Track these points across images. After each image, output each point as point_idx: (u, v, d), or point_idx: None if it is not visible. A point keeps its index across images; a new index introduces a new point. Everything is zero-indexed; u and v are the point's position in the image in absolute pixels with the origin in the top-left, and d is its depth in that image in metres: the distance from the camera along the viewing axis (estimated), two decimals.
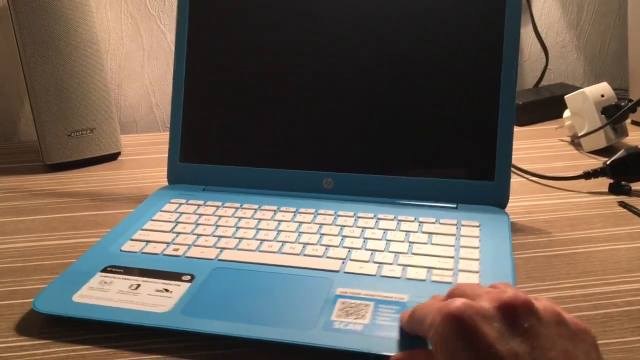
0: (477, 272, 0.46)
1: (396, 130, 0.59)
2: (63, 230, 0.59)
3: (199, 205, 0.59)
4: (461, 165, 0.57)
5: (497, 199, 0.56)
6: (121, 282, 0.46)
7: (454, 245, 0.50)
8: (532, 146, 0.78)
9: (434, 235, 0.51)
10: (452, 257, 0.48)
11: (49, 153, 0.75)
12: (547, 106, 0.86)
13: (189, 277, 0.47)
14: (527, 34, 0.96)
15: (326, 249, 0.50)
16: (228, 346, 0.41)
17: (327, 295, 0.44)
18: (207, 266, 0.48)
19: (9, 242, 0.57)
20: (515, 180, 0.67)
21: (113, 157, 0.78)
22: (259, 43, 0.62)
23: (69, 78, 0.73)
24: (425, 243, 0.50)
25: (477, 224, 0.53)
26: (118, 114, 0.89)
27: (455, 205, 0.57)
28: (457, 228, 0.53)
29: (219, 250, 0.51)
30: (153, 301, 0.44)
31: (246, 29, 0.62)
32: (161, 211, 0.58)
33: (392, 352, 0.38)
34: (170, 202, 0.60)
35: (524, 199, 0.62)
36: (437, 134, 0.58)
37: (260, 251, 0.50)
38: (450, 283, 0.45)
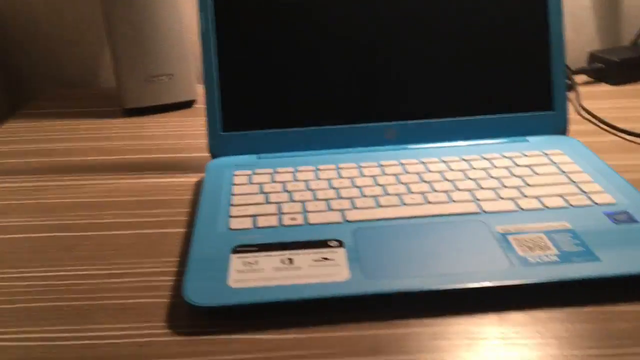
0: (602, 191, 0.48)
1: (454, 73, 0.58)
2: (138, 170, 0.60)
3: (270, 173, 0.54)
4: (521, 99, 0.59)
5: (559, 127, 0.59)
6: (269, 260, 0.41)
7: (558, 173, 0.52)
8: (629, 105, 0.72)
9: (533, 167, 0.53)
10: (569, 183, 0.50)
11: (127, 97, 0.74)
12: None
13: (336, 243, 0.43)
14: None
15: (446, 194, 0.49)
16: (427, 302, 0.38)
17: (493, 235, 0.43)
18: (344, 229, 0.45)
19: (88, 180, 0.59)
20: (609, 139, 0.63)
21: (188, 104, 0.78)
22: None
23: (148, 24, 0.72)
24: (532, 175, 0.51)
25: (561, 151, 0.55)
26: (195, 65, 0.84)
27: (525, 138, 0.58)
28: (545, 157, 0.54)
29: (339, 212, 0.47)
30: (322, 271, 0.40)
31: None
32: (234, 185, 0.52)
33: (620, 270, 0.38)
34: (235, 175, 0.54)
35: (618, 158, 0.59)
36: (495, 72, 0.58)
37: (382, 207, 0.48)
38: (590, 205, 0.46)
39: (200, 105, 0.78)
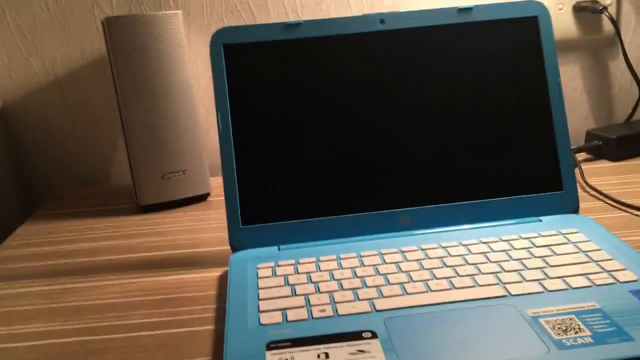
0: (623, 268, 0.49)
1: (466, 158, 0.60)
2: (160, 267, 0.60)
3: (293, 264, 0.54)
4: (532, 181, 0.60)
5: (570, 206, 0.61)
6: (304, 355, 0.41)
7: (577, 252, 0.53)
8: (632, 181, 0.74)
9: (552, 247, 0.54)
10: (589, 262, 0.51)
11: (143, 195, 0.76)
12: None
13: (369, 334, 0.43)
14: (616, 67, 0.93)
15: (471, 278, 0.50)
16: None
17: (525, 319, 0.43)
18: (374, 319, 0.45)
19: (111, 280, 0.58)
20: (618, 214, 0.65)
21: (203, 198, 0.80)
22: (312, 84, 0.60)
23: (163, 122, 0.75)
24: (552, 255, 0.52)
25: (576, 230, 0.57)
26: (207, 158, 0.86)
27: (539, 219, 0.60)
28: (562, 237, 0.55)
29: (367, 301, 0.47)
30: None
31: (294, 70, 0.60)
32: (260, 278, 0.53)
33: None
34: (259, 268, 0.54)
35: (630, 233, 0.60)
36: (505, 156, 0.61)
37: (409, 294, 0.48)
38: (614, 284, 0.47)
39: (214, 198, 0.79)
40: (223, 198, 0.74)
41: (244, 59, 0.60)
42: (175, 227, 0.70)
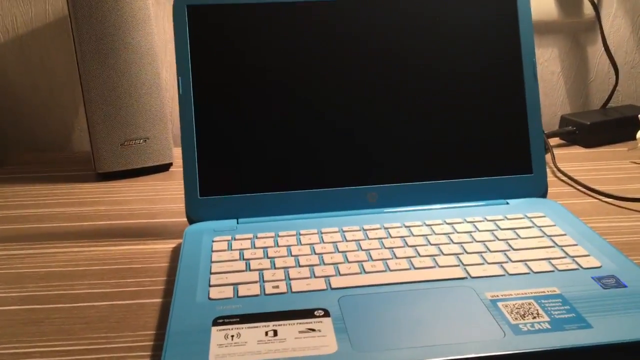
0: (587, 254, 0.48)
1: (435, 138, 0.59)
2: (112, 237, 0.58)
3: (250, 239, 0.52)
4: (501, 163, 0.59)
5: (538, 190, 0.59)
6: (252, 332, 0.39)
7: (542, 236, 0.51)
8: (603, 168, 0.74)
9: (517, 230, 0.52)
10: (553, 246, 0.49)
11: (102, 162, 0.73)
12: (617, 127, 0.82)
13: (322, 313, 0.41)
14: (594, 52, 0.91)
15: (432, 259, 0.48)
16: None
17: (483, 302, 0.42)
18: (329, 297, 0.43)
19: (60, 248, 0.56)
20: (587, 201, 0.64)
21: (165, 167, 0.77)
22: (278, 52, 0.58)
23: (124, 86, 0.72)
24: (516, 238, 0.51)
25: (542, 214, 0.55)
26: (171, 126, 0.83)
27: (505, 201, 0.58)
28: (528, 220, 0.54)
29: (323, 279, 0.46)
30: (309, 344, 0.38)
31: (261, 38, 0.58)
32: (214, 251, 0.50)
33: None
34: (214, 241, 0.52)
35: (598, 220, 0.59)
36: (475, 136, 0.59)
37: (367, 273, 0.46)
38: (577, 269, 0.46)
39: (177, 168, 0.76)
40: None
41: (208, 21, 0.57)
42: (133, 196, 0.68)
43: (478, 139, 0.59)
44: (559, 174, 0.71)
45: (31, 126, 0.87)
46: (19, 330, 0.42)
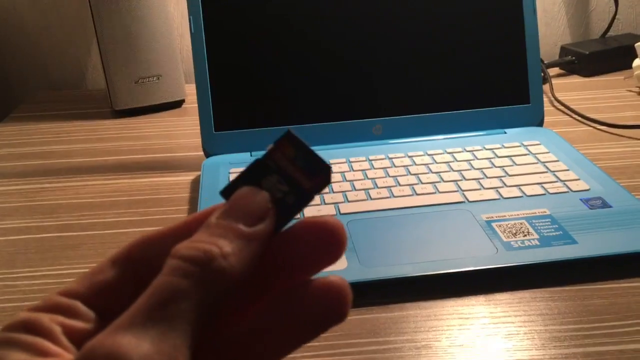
0: (577, 178, 0.52)
1: (436, 70, 0.61)
2: (135, 170, 0.62)
3: None
4: (499, 93, 0.62)
5: (535, 119, 0.62)
6: None
7: (536, 162, 0.55)
8: (599, 96, 0.75)
9: (513, 158, 0.56)
10: (546, 172, 0.53)
11: (118, 99, 0.76)
12: (615, 56, 0.82)
13: None
14: None
15: (433, 185, 0.52)
16: (420, 287, 0.41)
17: (479, 223, 0.46)
18: None
19: (87, 181, 0.60)
20: (581, 128, 0.66)
21: (178, 104, 0.79)
22: None
23: (137, 25, 0.74)
24: (511, 165, 0.55)
25: (538, 142, 0.59)
26: (182, 64, 0.83)
27: (503, 131, 0.61)
28: (524, 148, 0.58)
29: (333, 205, 0.50)
30: None
31: None
32: None
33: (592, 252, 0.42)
34: (231, 173, 0.56)
35: (591, 147, 0.61)
36: (474, 68, 0.62)
37: (373, 199, 0.50)
38: (567, 192, 0.50)
39: (190, 104, 0.79)
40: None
41: None
42: (149, 132, 0.71)
43: (478, 71, 0.62)
44: (557, 104, 0.73)
45: (46, 65, 0.89)
46: (60, 254, 0.47)
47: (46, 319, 0.18)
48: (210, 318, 0.18)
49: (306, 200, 0.19)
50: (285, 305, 0.19)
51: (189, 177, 0.59)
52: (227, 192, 0.19)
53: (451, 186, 0.52)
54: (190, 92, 0.82)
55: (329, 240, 0.19)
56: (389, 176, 0.54)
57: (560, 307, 0.39)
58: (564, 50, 0.84)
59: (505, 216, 0.47)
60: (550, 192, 0.50)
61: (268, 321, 0.19)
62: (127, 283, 0.20)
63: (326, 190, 0.52)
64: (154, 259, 0.19)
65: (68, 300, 0.19)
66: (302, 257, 0.20)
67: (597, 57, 0.82)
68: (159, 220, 0.52)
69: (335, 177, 0.55)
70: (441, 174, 0.54)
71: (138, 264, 0.20)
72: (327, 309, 0.19)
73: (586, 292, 0.40)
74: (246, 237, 0.18)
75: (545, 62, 0.82)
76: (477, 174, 0.54)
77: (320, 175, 0.19)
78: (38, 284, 0.44)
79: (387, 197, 0.51)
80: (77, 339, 0.18)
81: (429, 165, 0.56)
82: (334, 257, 0.20)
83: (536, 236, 0.44)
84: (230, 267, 0.17)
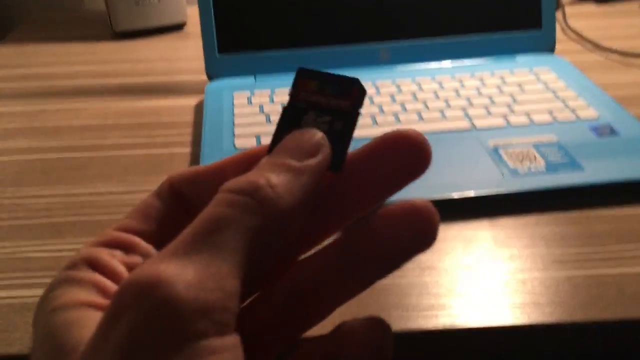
0: (587, 106, 0.51)
1: None
2: (137, 93, 0.61)
3: (269, 94, 0.55)
4: (510, 18, 0.60)
5: (547, 45, 0.61)
6: None
7: (546, 90, 0.54)
8: (613, 24, 0.73)
9: (522, 85, 0.55)
10: (556, 99, 0.52)
11: (118, 20, 0.75)
12: None
13: None
14: None
15: (439, 112, 0.51)
16: (436, 206, 0.41)
17: (485, 149, 0.46)
18: None
19: (89, 103, 0.59)
20: (593, 57, 0.65)
21: (179, 27, 0.78)
22: None
23: None
24: (520, 92, 0.54)
25: (548, 69, 0.58)
26: None
27: (513, 57, 0.60)
28: (533, 75, 0.57)
29: None
30: None
31: None
32: (235, 106, 0.54)
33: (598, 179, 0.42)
34: (235, 97, 0.55)
35: (602, 75, 0.59)
36: None
37: (379, 125, 0.50)
38: (575, 120, 0.49)
39: (191, 27, 0.77)
40: (200, 28, 0.73)
41: None
42: (151, 54, 0.70)
43: None
44: (569, 31, 0.71)
45: None
46: (64, 174, 0.47)
47: (106, 255, 0.18)
48: (265, 254, 0.17)
49: (353, 120, 0.19)
50: (357, 239, 0.18)
51: (192, 101, 0.58)
52: (273, 148, 0.18)
53: (458, 112, 0.51)
54: (192, 14, 0.80)
55: (411, 152, 0.18)
56: (395, 102, 0.53)
57: (563, 232, 0.39)
58: None
59: (512, 143, 0.46)
60: (559, 119, 0.49)
61: (338, 260, 0.18)
62: (179, 216, 0.19)
63: None
64: (204, 194, 0.18)
65: (126, 235, 0.19)
66: (382, 179, 0.19)
67: None
68: (163, 143, 0.51)
69: None
70: (448, 100, 0.53)
71: (188, 199, 0.19)
72: (414, 237, 0.18)
73: (590, 218, 0.41)
74: (296, 170, 0.17)
75: None
76: (485, 100, 0.53)
77: (353, 90, 0.19)
78: (44, 203, 0.44)
79: (393, 124, 0.50)
80: None
81: (437, 92, 0.55)
82: (419, 171, 0.19)
83: (543, 163, 0.44)
84: (277, 197, 0.16)
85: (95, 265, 0.18)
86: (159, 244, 0.19)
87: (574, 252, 0.38)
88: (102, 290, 0.17)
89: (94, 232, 0.41)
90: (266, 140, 0.49)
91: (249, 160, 0.19)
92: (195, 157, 0.49)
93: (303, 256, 0.20)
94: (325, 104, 0.19)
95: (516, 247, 0.38)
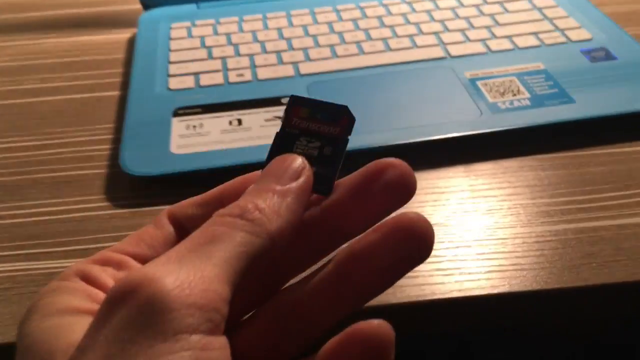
0: (578, 26, 0.44)
1: None
2: (62, 27, 0.52)
3: (212, 25, 0.48)
4: None
5: None
6: (215, 122, 0.37)
7: (532, 8, 0.47)
8: None
9: (504, 3, 0.48)
10: (542, 19, 0.45)
11: None
12: None
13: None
14: None
15: (409, 39, 0.44)
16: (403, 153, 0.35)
17: (461, 81, 0.39)
18: (297, 84, 0.40)
19: (5, 41, 0.51)
20: None
21: None
22: None
23: None
24: (503, 12, 0.47)
25: None
26: None
27: None
28: None
29: (291, 65, 0.42)
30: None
31: None
32: (172, 39, 0.46)
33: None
34: (172, 28, 0.48)
35: None
36: None
37: (339, 57, 0.43)
38: (565, 43, 0.42)
39: None
40: None
41: None
42: None
43: None
44: None
45: None
46: None
47: (97, 269, 0.19)
48: (254, 271, 0.17)
49: (342, 145, 0.20)
50: (349, 261, 0.18)
51: (125, 34, 0.50)
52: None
53: (431, 39, 0.44)
54: None
55: (398, 182, 0.19)
56: (359, 29, 0.46)
57: (550, 177, 0.34)
58: None
59: (492, 73, 0.40)
60: (547, 43, 0.43)
61: (330, 282, 0.19)
62: (173, 239, 0.20)
63: (284, 47, 0.45)
64: (199, 218, 0.19)
65: (118, 255, 0.19)
66: (372, 204, 0.19)
67: None
68: (88, 86, 0.44)
69: (295, 31, 0.46)
70: (420, 25, 0.46)
71: (183, 223, 0.20)
72: (407, 255, 0.18)
73: (582, 159, 0.35)
74: (280, 193, 0.18)
75: None
76: (461, 23, 0.46)
77: (343, 117, 0.20)
78: None
79: (356, 54, 0.43)
80: None
81: (407, 15, 0.47)
82: (404, 200, 0.19)
83: (527, 95, 0.37)
84: (265, 218, 0.17)
85: (86, 278, 0.18)
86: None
87: (563, 200, 0.32)
88: (93, 299, 0.18)
89: (0, 197, 0.35)
90: (206, 80, 0.42)
91: (243, 188, 0.19)
92: (123, 103, 0.42)
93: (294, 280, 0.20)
94: (316, 130, 0.20)
95: (496, 197, 0.33)
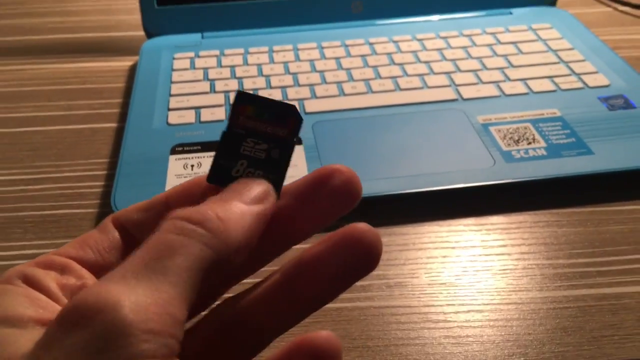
0: (595, 71, 0.42)
1: None
2: (63, 53, 0.51)
3: (217, 56, 0.46)
4: None
5: None
6: None
7: (547, 50, 0.45)
8: None
9: (519, 44, 0.46)
10: (558, 62, 0.44)
11: None
12: None
13: None
14: None
15: (420, 78, 0.43)
16: (397, 207, 0.33)
17: (474, 126, 0.38)
18: None
19: (3, 65, 0.47)
20: (601, 10, 0.56)
21: None
22: None
23: None
24: (517, 54, 0.45)
25: (549, 25, 0.49)
26: None
27: (509, 11, 0.51)
28: (532, 33, 0.48)
29: (296, 102, 0.41)
30: None
31: None
32: (174, 70, 0.45)
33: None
34: (175, 59, 0.46)
35: (612, 32, 0.52)
36: None
37: (347, 95, 0.41)
38: (582, 89, 0.41)
39: None
40: None
41: None
42: (84, 5, 0.59)
43: None
44: None
45: None
46: None
47: (40, 272, 0.18)
48: (210, 284, 0.17)
49: (290, 148, 0.19)
50: (296, 270, 0.18)
51: (127, 62, 0.49)
52: (213, 177, 0.19)
53: (442, 79, 0.42)
54: None
55: (342, 189, 0.19)
56: (368, 66, 0.44)
57: (568, 235, 0.32)
58: None
59: (506, 118, 0.38)
60: (563, 88, 0.41)
61: (276, 291, 0.18)
62: (119, 245, 0.20)
63: (290, 82, 0.43)
64: (145, 223, 0.19)
65: (62, 259, 0.19)
66: (319, 211, 0.19)
67: None
68: (85, 116, 0.42)
69: (302, 66, 0.45)
70: (431, 64, 0.44)
71: (128, 228, 0.20)
72: (354, 264, 0.18)
73: (601, 216, 0.33)
74: (243, 210, 0.18)
75: None
76: (474, 64, 0.44)
77: (290, 118, 0.19)
78: None
79: (364, 93, 0.41)
80: (71, 295, 0.18)
81: (417, 53, 0.46)
82: (349, 206, 0.19)
83: (543, 144, 0.36)
84: (225, 230, 0.17)
85: (30, 281, 0.18)
86: (98, 272, 0.19)
87: (582, 262, 0.30)
88: (38, 305, 0.17)
89: None
90: (207, 115, 0.41)
91: (189, 192, 0.20)
92: (120, 136, 0.40)
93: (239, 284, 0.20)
94: (263, 130, 0.19)
95: (510, 255, 0.31)
